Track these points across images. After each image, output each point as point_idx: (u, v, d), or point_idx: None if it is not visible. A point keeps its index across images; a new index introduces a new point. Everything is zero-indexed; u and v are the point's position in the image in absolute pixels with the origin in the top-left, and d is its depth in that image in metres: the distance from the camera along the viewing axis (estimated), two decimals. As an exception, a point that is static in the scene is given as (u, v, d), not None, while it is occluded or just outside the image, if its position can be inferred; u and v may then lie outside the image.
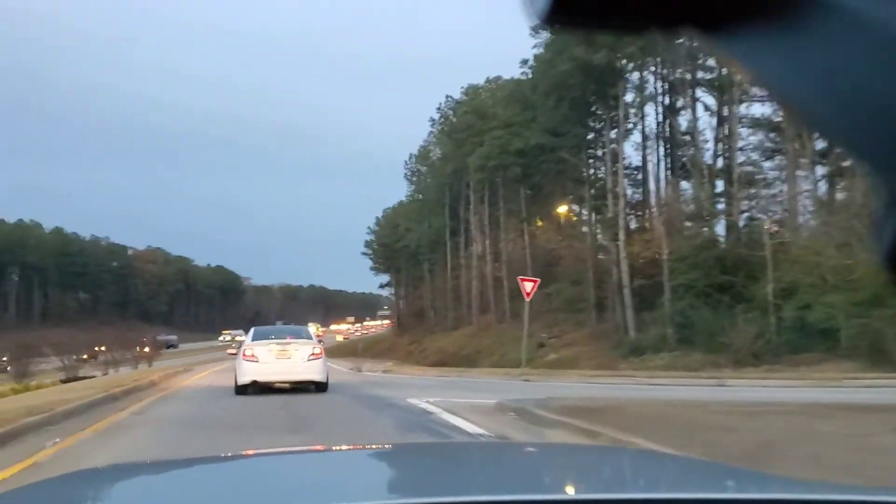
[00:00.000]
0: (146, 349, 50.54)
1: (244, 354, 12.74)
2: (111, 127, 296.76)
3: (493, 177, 44.15)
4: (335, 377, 16.62)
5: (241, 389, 12.41)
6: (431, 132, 61.99)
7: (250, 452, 3.28)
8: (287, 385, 12.68)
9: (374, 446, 4.34)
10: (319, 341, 14.23)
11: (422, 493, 1.40)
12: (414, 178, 68.32)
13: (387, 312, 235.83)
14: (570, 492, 1.50)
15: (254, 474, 1.80)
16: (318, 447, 4.34)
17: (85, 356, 45.15)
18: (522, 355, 24.07)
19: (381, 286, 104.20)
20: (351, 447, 3.65)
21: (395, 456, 2.31)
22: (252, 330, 14.34)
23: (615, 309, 32.81)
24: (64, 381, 27.90)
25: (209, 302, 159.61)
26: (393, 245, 78.77)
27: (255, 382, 12.35)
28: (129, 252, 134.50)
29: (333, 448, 3.17)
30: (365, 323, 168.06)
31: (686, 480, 1.72)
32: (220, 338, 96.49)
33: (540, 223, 44.76)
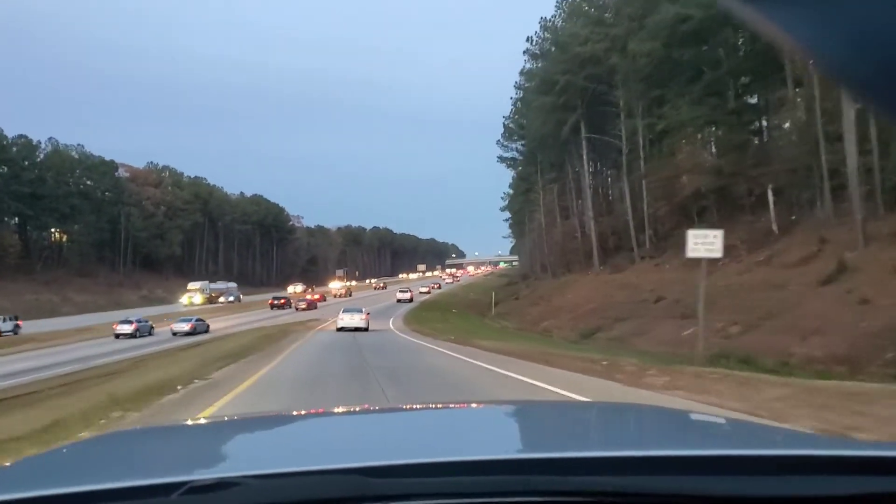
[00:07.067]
0: None
1: (339, 317, 35.89)
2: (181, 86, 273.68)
3: None
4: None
5: (339, 329, 34.07)
6: None
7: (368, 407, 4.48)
8: (353, 328, 33.88)
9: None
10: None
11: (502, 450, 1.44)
12: None
13: (458, 261, 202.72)
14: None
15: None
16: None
17: None
18: None
19: (503, 207, 62.19)
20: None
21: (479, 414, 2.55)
22: (343, 308, 38.87)
23: None
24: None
25: (246, 243, 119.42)
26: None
27: (342, 328, 34.27)
28: (121, 171, 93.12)
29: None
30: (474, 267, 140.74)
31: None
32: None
33: None
